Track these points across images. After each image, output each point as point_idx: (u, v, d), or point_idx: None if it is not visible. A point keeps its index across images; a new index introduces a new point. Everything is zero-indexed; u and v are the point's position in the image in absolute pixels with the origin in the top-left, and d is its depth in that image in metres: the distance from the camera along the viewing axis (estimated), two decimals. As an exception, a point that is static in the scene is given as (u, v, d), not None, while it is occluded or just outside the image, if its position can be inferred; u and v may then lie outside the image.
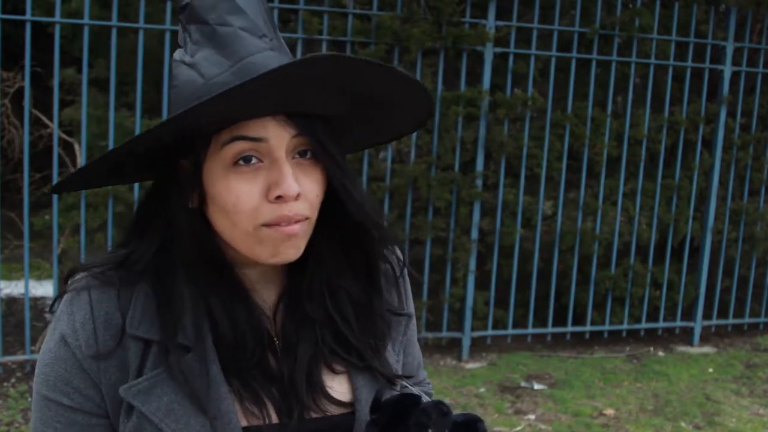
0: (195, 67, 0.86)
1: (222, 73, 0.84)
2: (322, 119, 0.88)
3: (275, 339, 0.95)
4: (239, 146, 0.84)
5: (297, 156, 0.87)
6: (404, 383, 1.00)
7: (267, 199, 0.85)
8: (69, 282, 0.93)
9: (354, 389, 0.95)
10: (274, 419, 0.90)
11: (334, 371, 0.95)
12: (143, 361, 0.88)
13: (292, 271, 0.97)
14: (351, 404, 0.94)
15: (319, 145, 0.87)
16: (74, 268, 0.94)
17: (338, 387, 0.95)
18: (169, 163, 0.90)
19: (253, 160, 0.85)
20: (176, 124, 0.81)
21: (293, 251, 0.89)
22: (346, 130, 0.95)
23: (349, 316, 0.97)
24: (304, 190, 0.86)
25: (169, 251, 0.91)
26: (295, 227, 0.87)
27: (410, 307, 1.09)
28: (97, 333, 0.88)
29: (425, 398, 0.88)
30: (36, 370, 0.92)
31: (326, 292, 0.96)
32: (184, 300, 0.89)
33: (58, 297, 0.92)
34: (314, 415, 0.92)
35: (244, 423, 0.88)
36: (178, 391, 0.86)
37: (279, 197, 0.84)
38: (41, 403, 0.91)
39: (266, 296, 0.97)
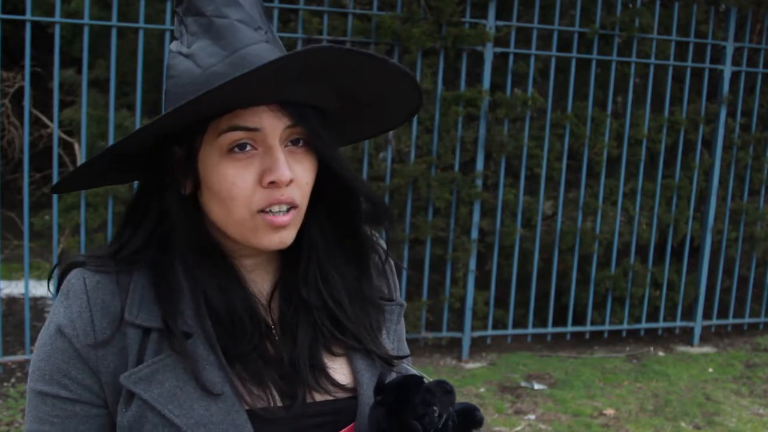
0: (192, 58, 0.89)
1: (218, 63, 0.87)
2: (315, 109, 0.91)
3: (272, 327, 0.96)
4: (236, 135, 0.87)
5: (290, 144, 0.90)
6: (405, 365, 1.01)
7: (261, 185, 0.88)
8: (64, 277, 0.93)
9: (354, 372, 0.96)
10: (278, 402, 0.90)
11: (333, 354, 0.97)
12: (143, 349, 0.88)
13: (286, 260, 0.99)
14: (352, 389, 0.95)
15: (314, 134, 0.90)
16: (68, 263, 0.94)
17: (339, 369, 0.96)
18: (160, 151, 0.91)
19: (248, 148, 0.88)
20: (179, 116, 0.83)
21: (285, 237, 0.91)
22: (336, 125, 0.97)
23: (342, 301, 0.98)
24: (296, 176, 0.89)
25: (164, 241, 0.92)
26: (285, 218, 0.89)
27: (399, 297, 1.11)
28: (94, 321, 0.88)
29: (428, 379, 0.89)
30: (30, 369, 0.91)
31: (319, 278, 0.98)
32: (182, 287, 0.90)
33: (56, 291, 0.92)
34: (317, 397, 0.93)
35: (248, 405, 0.88)
36: (181, 376, 0.86)
37: (272, 183, 0.87)
38: (36, 399, 0.90)
39: (261, 287, 0.98)
